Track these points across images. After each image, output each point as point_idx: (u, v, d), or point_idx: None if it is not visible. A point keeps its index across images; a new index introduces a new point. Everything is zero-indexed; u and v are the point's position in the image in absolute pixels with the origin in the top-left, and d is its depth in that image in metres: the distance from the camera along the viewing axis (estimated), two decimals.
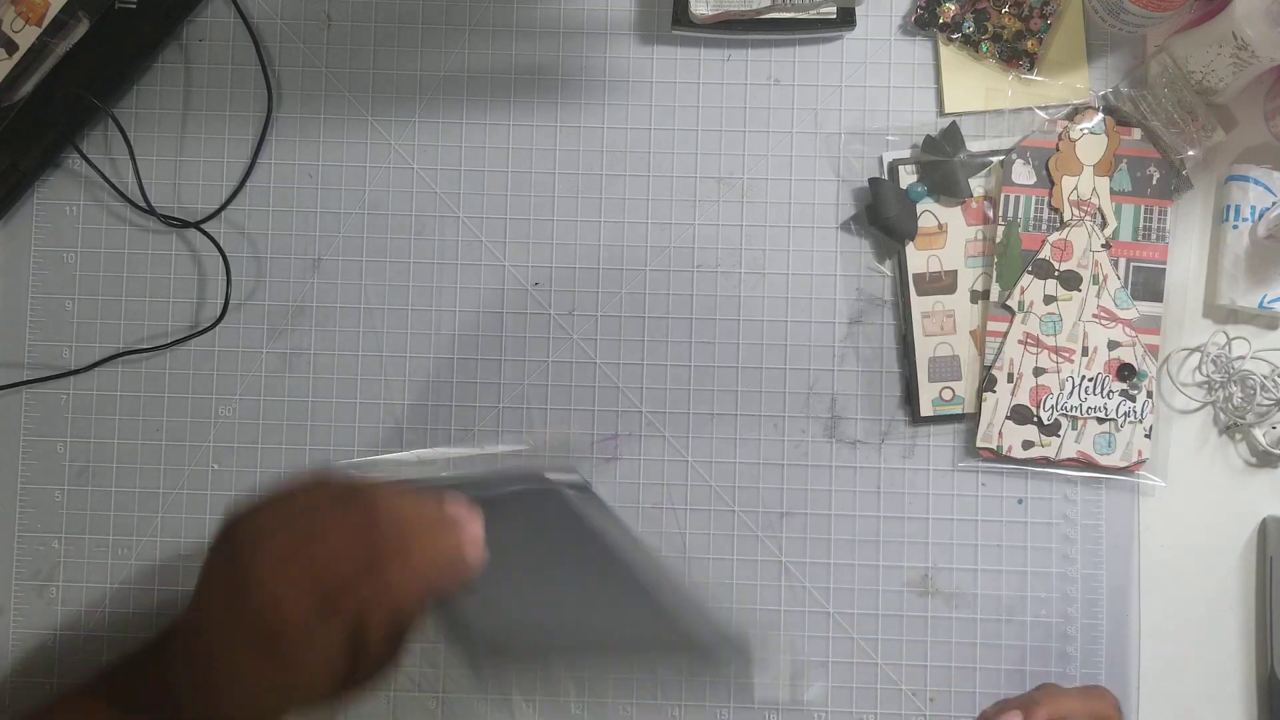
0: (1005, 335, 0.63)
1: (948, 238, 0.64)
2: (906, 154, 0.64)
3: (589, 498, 0.51)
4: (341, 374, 0.65)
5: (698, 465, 0.65)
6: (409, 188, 0.66)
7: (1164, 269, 0.64)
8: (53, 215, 0.66)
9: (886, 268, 0.65)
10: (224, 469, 0.65)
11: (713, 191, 0.65)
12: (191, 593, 0.47)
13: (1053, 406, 0.63)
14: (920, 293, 0.64)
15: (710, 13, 0.63)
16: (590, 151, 0.65)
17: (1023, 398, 0.63)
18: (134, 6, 0.64)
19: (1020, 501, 0.64)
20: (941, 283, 0.64)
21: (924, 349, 0.64)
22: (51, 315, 0.65)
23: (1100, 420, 0.63)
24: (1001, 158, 0.64)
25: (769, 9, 0.63)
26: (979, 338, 0.64)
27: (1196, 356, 0.65)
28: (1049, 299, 0.63)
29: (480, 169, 0.66)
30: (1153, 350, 0.63)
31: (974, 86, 0.65)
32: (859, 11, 0.64)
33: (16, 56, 0.62)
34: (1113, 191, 0.64)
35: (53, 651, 0.64)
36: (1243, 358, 0.65)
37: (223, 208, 0.65)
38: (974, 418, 0.64)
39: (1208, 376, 0.65)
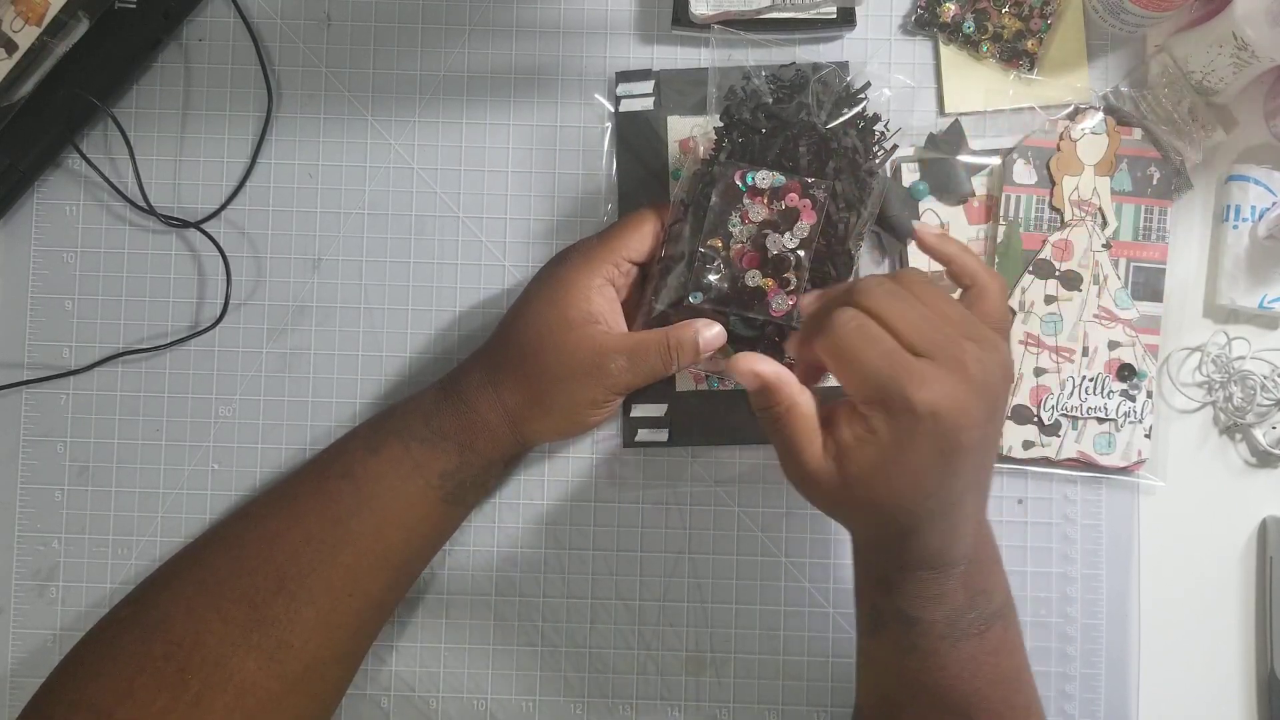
0: None
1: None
2: (909, 152, 0.64)
3: None
4: (341, 374, 0.65)
5: (699, 464, 0.65)
6: (409, 188, 0.66)
7: (1164, 269, 0.64)
8: (53, 215, 0.66)
9: (886, 265, 0.65)
10: (224, 469, 0.65)
11: None
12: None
13: (1053, 406, 0.63)
14: None
15: (710, 12, 0.63)
16: (591, 151, 0.65)
17: (1023, 398, 0.63)
18: (134, 6, 0.64)
19: (1020, 501, 0.64)
20: (943, 282, 0.64)
21: None
22: (51, 315, 0.65)
23: (1100, 420, 0.63)
24: (1002, 157, 0.64)
25: (769, 9, 0.63)
26: None
27: (1196, 356, 0.65)
28: (1050, 299, 0.63)
29: (480, 169, 0.66)
30: (1153, 350, 0.63)
31: (974, 86, 0.65)
32: (859, 11, 0.64)
33: (16, 56, 0.62)
34: (1113, 191, 0.64)
35: (53, 651, 0.64)
36: (1243, 358, 0.65)
37: (223, 208, 0.65)
38: None
39: (1208, 376, 0.65)
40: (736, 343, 0.57)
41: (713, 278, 0.56)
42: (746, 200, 0.56)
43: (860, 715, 0.56)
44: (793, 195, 0.56)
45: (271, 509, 0.57)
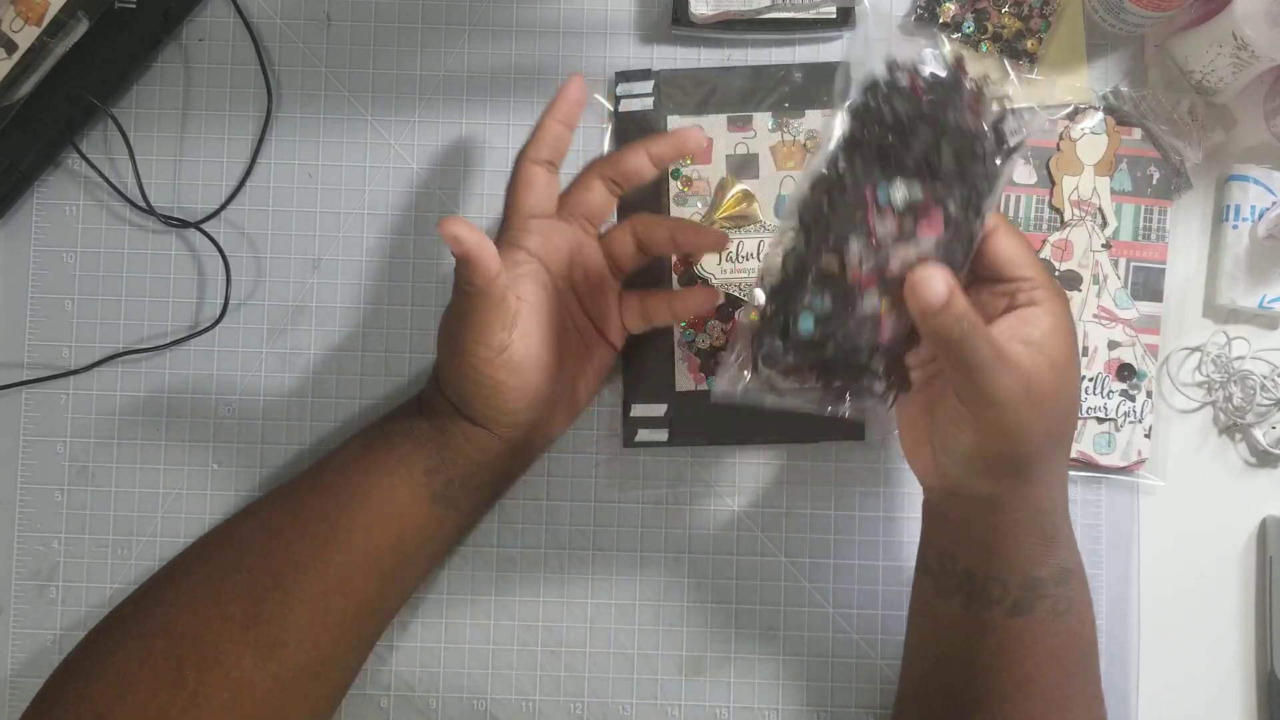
0: None
1: None
2: None
3: None
4: (341, 374, 0.65)
5: (699, 464, 0.65)
6: (409, 188, 0.66)
7: (1164, 269, 0.64)
8: (52, 215, 0.66)
9: None
10: (224, 469, 0.65)
11: None
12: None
13: None
14: None
15: (710, 12, 0.63)
16: (591, 152, 0.65)
17: None
18: (134, 6, 0.64)
19: None
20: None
21: None
22: (51, 315, 0.65)
23: (1100, 420, 0.63)
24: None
25: (769, 9, 0.63)
26: None
27: (1196, 356, 0.65)
28: None
29: (480, 169, 0.66)
30: (1152, 350, 0.63)
31: None
32: (859, 11, 0.64)
33: (16, 56, 0.62)
34: (1113, 191, 0.64)
35: (53, 652, 0.64)
36: (1242, 358, 0.65)
37: (223, 208, 0.65)
38: None
39: (1207, 376, 0.65)
40: (826, 375, 0.49)
41: (828, 302, 0.47)
42: (876, 218, 0.46)
43: (942, 704, 0.54)
44: (926, 208, 0.47)
45: (273, 505, 0.57)
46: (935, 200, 0.46)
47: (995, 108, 0.49)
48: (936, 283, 0.45)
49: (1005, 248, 0.50)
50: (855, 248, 0.46)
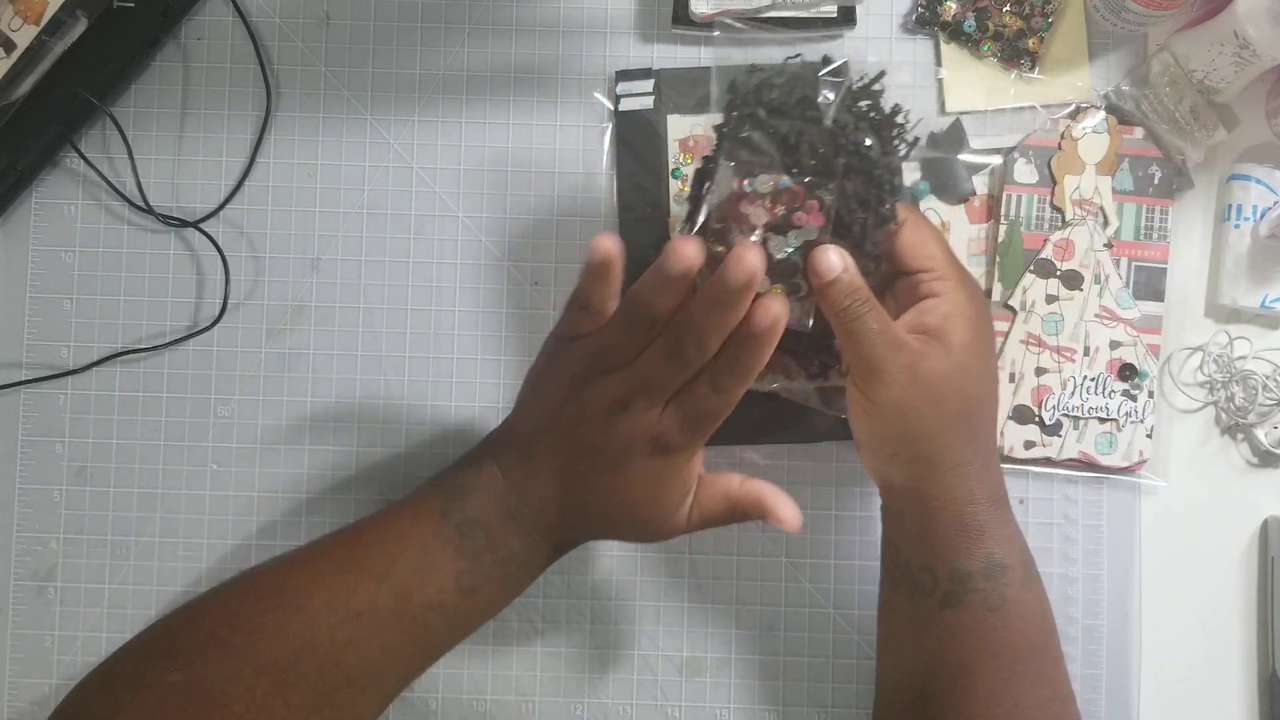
0: (1007, 335, 0.63)
1: (950, 236, 0.64)
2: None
3: None
4: (341, 374, 0.65)
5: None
6: (409, 187, 0.65)
7: (1166, 268, 0.64)
8: (51, 215, 0.66)
9: None
10: (223, 469, 0.65)
11: None
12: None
13: (1054, 406, 0.63)
14: None
15: (711, 11, 0.63)
16: (591, 151, 0.65)
17: (1024, 398, 0.63)
18: (132, 5, 0.64)
19: (1021, 501, 0.64)
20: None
21: None
22: (50, 315, 0.65)
23: (1102, 420, 0.63)
24: (1003, 156, 0.64)
25: (769, 7, 0.63)
26: None
27: (1198, 356, 0.65)
28: (1051, 299, 0.63)
29: (480, 169, 0.65)
30: (1154, 350, 0.63)
31: (975, 85, 0.65)
32: (860, 10, 0.64)
33: (15, 55, 0.62)
34: (1115, 190, 0.64)
35: (52, 651, 0.64)
36: (1244, 357, 0.65)
37: (221, 207, 0.65)
38: None
39: (1209, 376, 0.65)
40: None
41: None
42: (744, 205, 0.52)
43: (900, 699, 0.54)
44: (796, 197, 0.52)
45: (342, 616, 0.52)
46: (806, 190, 0.52)
47: (870, 106, 0.53)
48: (832, 257, 0.50)
49: (907, 239, 0.53)
50: (732, 234, 0.52)
